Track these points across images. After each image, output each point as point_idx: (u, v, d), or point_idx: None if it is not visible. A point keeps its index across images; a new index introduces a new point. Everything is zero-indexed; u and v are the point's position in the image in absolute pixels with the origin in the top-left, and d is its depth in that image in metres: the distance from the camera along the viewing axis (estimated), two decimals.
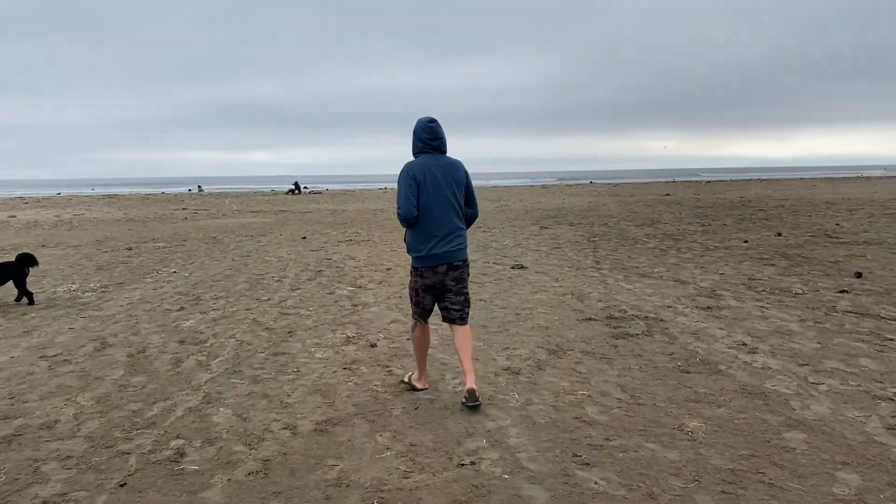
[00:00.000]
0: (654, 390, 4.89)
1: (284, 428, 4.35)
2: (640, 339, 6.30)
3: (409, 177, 4.59)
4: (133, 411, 4.72)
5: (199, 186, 67.47)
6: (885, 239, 13.54)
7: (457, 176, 4.72)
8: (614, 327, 6.79)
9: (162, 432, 4.33)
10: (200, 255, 13.61)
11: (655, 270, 10.38)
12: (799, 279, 9.26)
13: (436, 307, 4.93)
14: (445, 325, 6.33)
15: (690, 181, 65.95)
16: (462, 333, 4.80)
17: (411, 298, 4.89)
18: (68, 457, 3.99)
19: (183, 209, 31.09)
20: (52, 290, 9.69)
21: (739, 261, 11.17)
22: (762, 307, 7.57)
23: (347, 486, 3.56)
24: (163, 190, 67.53)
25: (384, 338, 6.55)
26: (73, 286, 9.95)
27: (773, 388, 4.87)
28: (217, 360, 5.94)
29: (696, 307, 7.66)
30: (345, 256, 12.74)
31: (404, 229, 4.86)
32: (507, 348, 6.10)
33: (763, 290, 8.52)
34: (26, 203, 39.14)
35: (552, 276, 9.93)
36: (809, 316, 7.10)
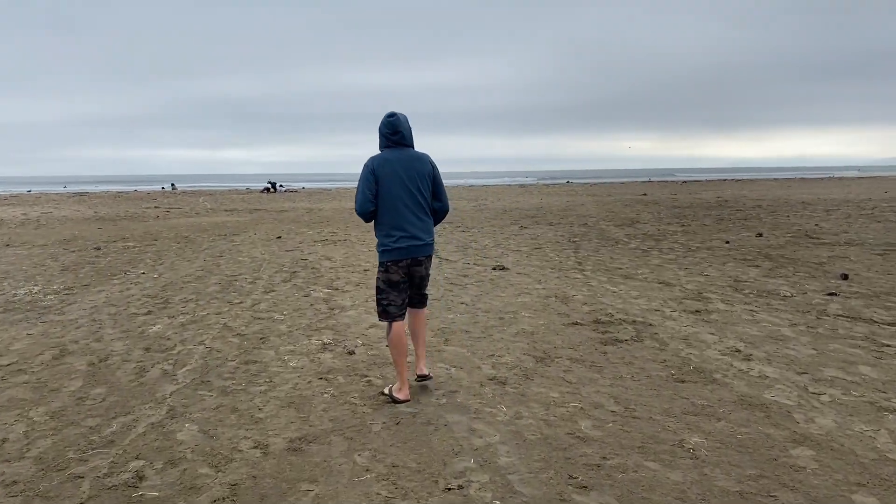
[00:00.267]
0: (648, 402, 4.63)
1: (255, 447, 4.01)
2: (629, 346, 6.05)
3: (369, 171, 4.60)
4: (90, 428, 4.36)
5: (172, 184, 66.39)
6: (865, 239, 13.47)
7: (421, 169, 4.67)
8: (602, 332, 6.53)
9: (121, 452, 3.98)
10: (171, 255, 13.16)
11: (639, 272, 10.16)
12: (785, 281, 9.09)
13: None
14: (426, 332, 6.03)
15: (666, 181, 66.24)
16: (419, 315, 4.97)
17: (378, 299, 4.77)
18: (14, 482, 3.63)
19: (155, 207, 30.40)
20: (13, 292, 9.22)
21: (723, 262, 11.00)
22: (751, 311, 7.36)
23: None
24: (135, 188, 66.36)
25: (362, 344, 6.23)
26: (35, 288, 9.48)
27: (774, 398, 4.64)
28: (184, 369, 5.58)
29: (684, 311, 7.43)
30: (321, 257, 12.38)
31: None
32: (493, 355, 5.81)
33: (750, 293, 8.33)
34: None
35: (535, 278, 9.67)
36: (801, 320, 6.90)
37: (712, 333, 6.43)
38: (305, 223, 20.35)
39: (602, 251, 12.67)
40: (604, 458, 3.78)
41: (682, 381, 5.04)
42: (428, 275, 4.90)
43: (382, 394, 4.83)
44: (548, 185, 60.81)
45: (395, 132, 4.65)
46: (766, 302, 7.81)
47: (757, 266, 10.47)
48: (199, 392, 5.00)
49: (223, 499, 3.41)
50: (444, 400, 4.71)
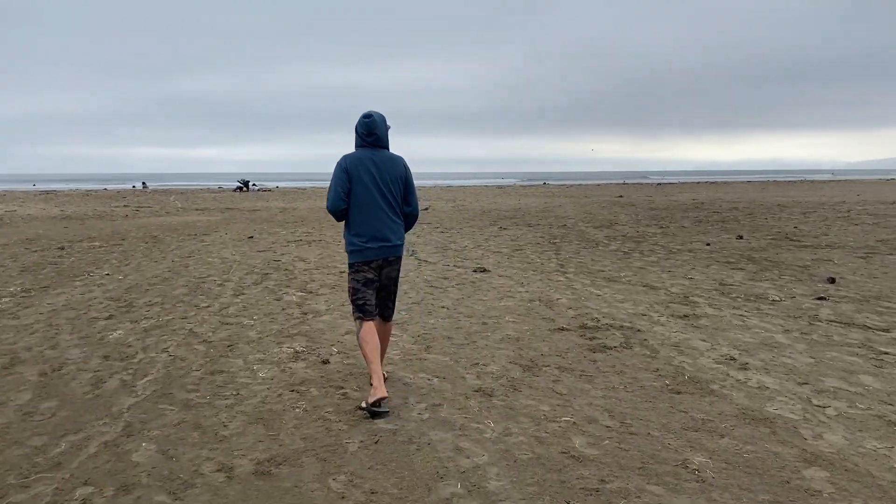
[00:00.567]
0: (645, 415, 4.33)
1: (218, 469, 3.63)
2: (619, 353, 5.75)
3: (342, 169, 4.55)
4: (36, 448, 3.94)
5: (143, 183, 65.21)
6: (846, 242, 13.38)
7: (394, 171, 4.63)
8: (590, 338, 6.23)
9: (68, 476, 3.58)
10: (138, 255, 12.65)
11: (622, 274, 9.90)
12: (772, 285, 8.88)
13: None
14: (407, 339, 5.72)
15: (641, 183, 66.53)
16: (384, 331, 4.87)
17: (353, 299, 4.69)
18: None
19: (124, 206, 29.66)
20: None
21: (706, 264, 10.79)
22: (741, 316, 7.12)
23: None
24: (105, 186, 65.05)
25: (338, 352, 5.86)
26: None
27: (777, 412, 4.36)
28: (144, 379, 5.17)
29: (672, 315, 7.17)
30: (294, 258, 11.96)
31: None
32: (477, 364, 5.48)
33: (738, 297, 8.10)
34: None
35: (517, 281, 9.36)
36: (793, 326, 6.66)
37: (704, 340, 6.16)
38: (279, 223, 19.88)
39: (583, 253, 12.41)
40: (602, 480, 3.46)
41: (678, 393, 4.75)
42: (397, 278, 4.85)
43: (359, 408, 4.46)
44: (525, 186, 60.73)
45: (370, 133, 4.59)
46: (756, 306, 7.57)
47: (741, 269, 10.27)
48: (160, 406, 4.60)
49: None
50: (427, 414, 4.36)
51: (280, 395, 4.79)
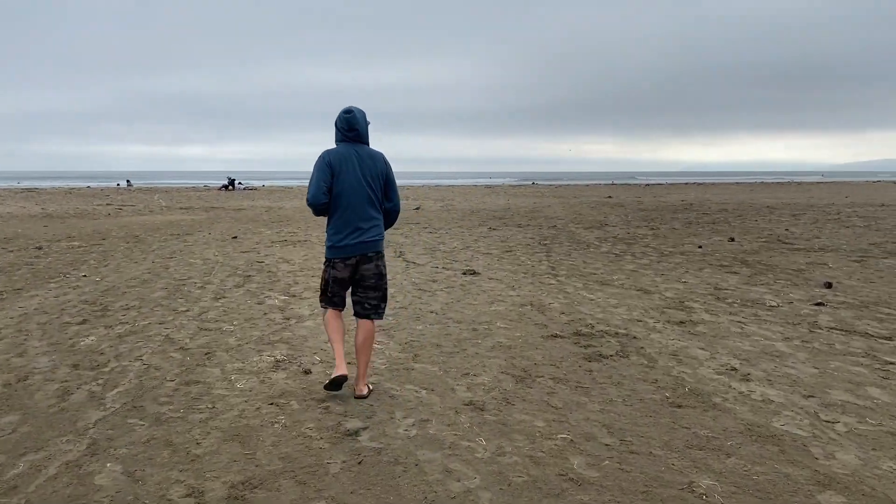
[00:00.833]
0: (646, 432, 4.08)
1: (188, 494, 3.35)
2: (615, 362, 5.51)
3: (325, 163, 4.53)
4: None
5: (127, 181, 64.45)
6: (839, 245, 13.23)
7: (375, 167, 4.62)
8: (584, 346, 5.99)
9: (23, 502, 3.28)
10: (118, 256, 12.30)
11: (615, 278, 9.68)
12: (768, 289, 8.68)
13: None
14: (394, 347, 5.47)
15: (629, 184, 66.54)
16: (366, 328, 4.74)
17: (323, 288, 4.76)
18: None
19: (107, 205, 29.19)
20: None
21: (699, 268, 10.59)
22: (739, 322, 6.90)
23: None
24: (88, 184, 64.27)
25: (320, 361, 5.57)
26: None
27: (784, 428, 4.13)
28: (115, 391, 4.86)
29: (668, 322, 6.94)
30: (278, 259, 11.66)
31: None
32: (467, 374, 5.22)
33: (734, 302, 7.88)
34: None
35: (507, 284, 9.11)
36: (793, 333, 6.45)
37: (702, 348, 5.93)
38: (264, 222, 19.54)
39: (574, 255, 12.18)
40: None
41: (679, 406, 4.51)
42: (383, 273, 4.77)
43: (324, 390, 4.72)
44: (513, 186, 60.57)
45: (350, 129, 4.59)
46: (753, 312, 7.36)
47: (735, 273, 10.07)
48: (129, 420, 4.30)
49: None
50: (415, 431, 4.09)
51: (258, 408, 4.50)
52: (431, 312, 7.36)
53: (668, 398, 4.66)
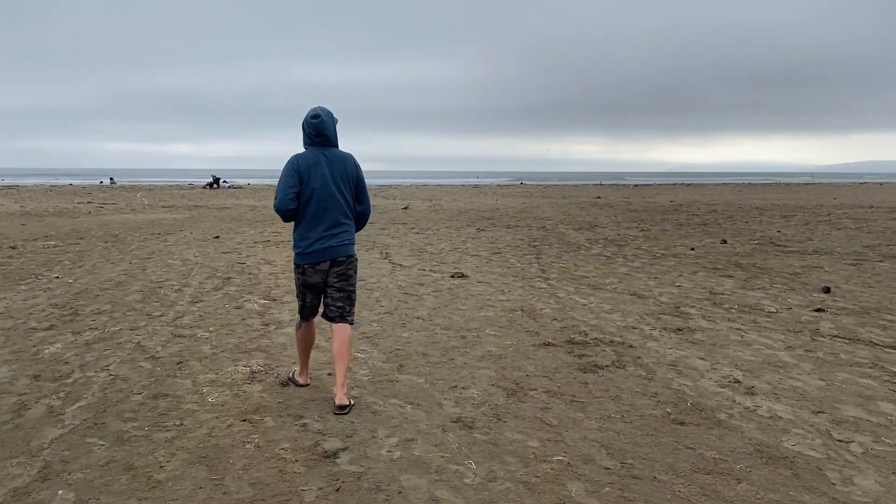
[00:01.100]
0: (648, 453, 3.78)
1: None
2: (612, 374, 5.22)
3: (293, 169, 4.45)
4: None
5: (111, 179, 63.69)
6: (833, 248, 13.03)
7: (345, 170, 4.55)
8: (578, 356, 5.69)
9: None
10: (94, 256, 11.89)
11: (607, 281, 9.40)
12: (765, 294, 8.43)
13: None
14: (377, 356, 5.16)
15: (618, 185, 66.48)
16: (341, 334, 4.59)
17: (299, 303, 4.74)
18: None
19: (88, 203, 28.63)
20: None
21: (693, 271, 10.33)
22: (738, 329, 6.63)
23: None
24: (70, 181, 63.41)
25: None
26: None
27: (796, 449, 3.84)
28: (76, 405, 4.51)
29: (665, 329, 6.66)
30: (260, 260, 11.29)
31: None
32: (455, 386, 4.90)
33: (731, 308, 7.62)
34: None
35: (497, 288, 8.81)
36: (795, 342, 6.18)
37: (702, 358, 5.65)
38: (248, 222, 19.14)
39: (565, 257, 11.90)
40: None
41: (682, 424, 4.22)
42: (351, 276, 4.65)
43: (287, 380, 4.91)
44: (501, 186, 60.32)
45: (318, 134, 4.50)
46: (752, 319, 7.10)
47: (730, 276, 9.82)
48: (89, 440, 3.96)
49: None
50: (399, 452, 3.77)
51: (230, 426, 4.16)
52: (418, 318, 7.04)
53: (669, 414, 4.37)
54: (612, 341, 6.16)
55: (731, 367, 5.40)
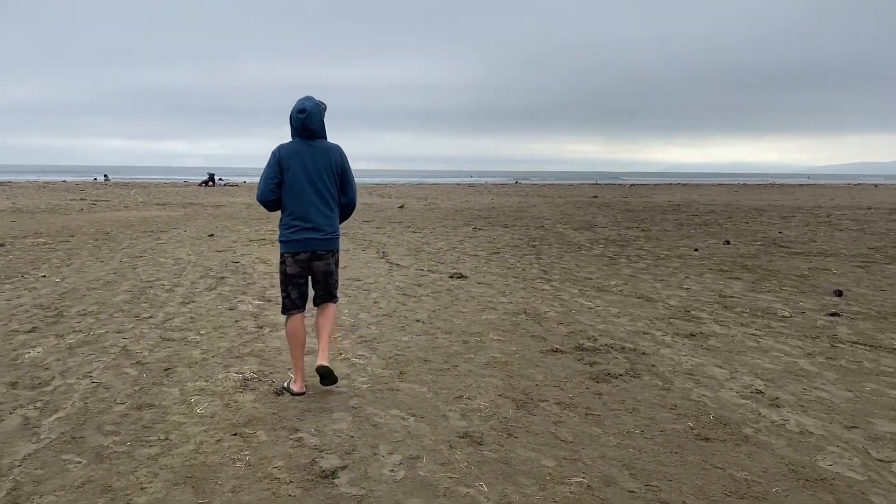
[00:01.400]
0: (674, 474, 3.49)
1: None
2: (626, 383, 4.92)
3: (275, 160, 4.49)
4: None
5: (105, 176, 63.16)
6: (838, 250, 12.77)
7: (329, 162, 4.54)
8: (589, 363, 5.39)
9: None
10: (84, 254, 11.56)
11: (612, 283, 9.11)
12: (775, 297, 8.15)
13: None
14: (377, 362, 4.86)
15: (614, 184, 66.27)
16: (325, 310, 4.74)
17: (280, 288, 4.70)
18: None
19: (81, 199, 28.26)
20: None
21: (699, 272, 10.06)
22: (753, 335, 6.35)
23: None
24: (64, 178, 62.87)
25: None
26: None
27: (833, 469, 3.55)
28: (53, 416, 4.20)
29: (677, 334, 6.37)
30: (255, 259, 10.97)
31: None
32: (461, 396, 4.60)
33: (743, 312, 7.34)
34: None
35: (498, 289, 8.51)
36: (814, 348, 5.90)
37: (719, 366, 5.36)
38: (243, 220, 18.80)
39: (566, 257, 11.61)
40: None
41: (707, 440, 3.92)
42: (333, 272, 4.68)
43: (281, 389, 4.63)
44: (497, 185, 60.03)
45: (304, 129, 4.49)
46: (765, 323, 6.81)
47: (737, 278, 9.54)
48: (65, 456, 3.64)
49: None
50: (402, 472, 3.47)
51: (219, 440, 3.85)
52: (418, 321, 6.74)
53: (692, 429, 4.07)
54: (623, 347, 5.86)
55: (751, 375, 5.12)
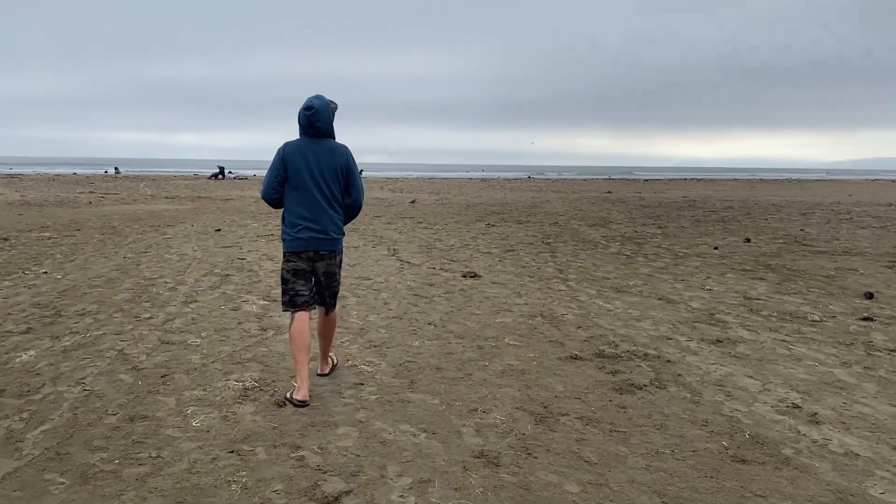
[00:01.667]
0: (711, 502, 3.16)
1: None
2: (652, 395, 4.60)
3: (279, 158, 4.44)
4: None
5: (115, 168, 63.20)
6: (863, 249, 12.36)
7: (334, 162, 4.45)
8: (611, 372, 5.07)
9: None
10: (88, 249, 11.32)
11: (630, 283, 8.77)
12: (803, 300, 7.79)
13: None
14: (386, 369, 4.52)
15: (627, 179, 65.70)
16: (328, 321, 4.76)
17: (283, 289, 4.57)
18: None
19: (90, 192, 28.13)
20: None
21: (720, 272, 9.70)
22: (784, 342, 6.00)
23: None
24: (74, 171, 62.95)
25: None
26: None
27: (885, 497, 3.22)
28: (39, 429, 3.92)
29: (703, 340, 6.04)
30: (262, 256, 10.70)
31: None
32: (475, 409, 4.29)
33: (770, 315, 6.99)
34: None
35: (512, 289, 8.19)
36: (849, 357, 5.56)
37: (751, 376, 5.03)
38: (251, 214, 18.55)
39: (582, 256, 11.27)
40: None
41: (744, 462, 3.60)
42: (335, 273, 4.60)
43: (283, 400, 4.36)
44: (509, 179, 59.62)
45: (311, 126, 4.42)
46: (795, 328, 6.47)
47: (761, 279, 9.18)
48: (47, 476, 3.36)
49: None
50: (413, 498, 3.16)
51: (214, 459, 3.56)
52: (429, 324, 6.44)
53: (726, 449, 3.75)
54: (646, 354, 5.54)
55: (785, 387, 4.78)
